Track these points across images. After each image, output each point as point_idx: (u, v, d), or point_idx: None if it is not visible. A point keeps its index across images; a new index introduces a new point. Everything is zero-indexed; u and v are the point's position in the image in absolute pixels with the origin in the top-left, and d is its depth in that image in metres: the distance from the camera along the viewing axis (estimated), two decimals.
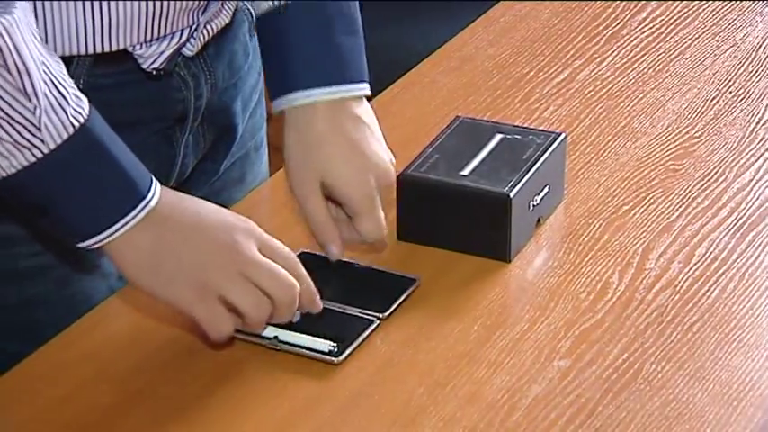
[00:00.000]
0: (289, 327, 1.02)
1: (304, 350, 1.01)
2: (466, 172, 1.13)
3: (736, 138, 1.28)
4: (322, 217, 1.07)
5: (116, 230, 0.93)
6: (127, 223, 0.93)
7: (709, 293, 1.08)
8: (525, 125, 1.26)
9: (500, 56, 1.41)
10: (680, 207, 1.18)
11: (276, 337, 1.02)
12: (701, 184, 1.21)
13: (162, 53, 1.03)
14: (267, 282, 0.96)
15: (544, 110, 1.32)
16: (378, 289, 1.07)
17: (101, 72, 1.01)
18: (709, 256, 1.12)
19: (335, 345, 1.01)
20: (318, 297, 1.01)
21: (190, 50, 1.06)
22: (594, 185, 1.21)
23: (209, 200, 0.99)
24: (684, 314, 1.06)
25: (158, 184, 0.95)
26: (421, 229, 1.13)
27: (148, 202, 0.93)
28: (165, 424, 0.95)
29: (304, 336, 1.01)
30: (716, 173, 1.23)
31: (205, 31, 1.07)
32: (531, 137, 1.17)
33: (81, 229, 0.93)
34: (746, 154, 1.26)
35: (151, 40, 1.02)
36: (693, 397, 0.98)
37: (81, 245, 0.94)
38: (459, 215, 1.12)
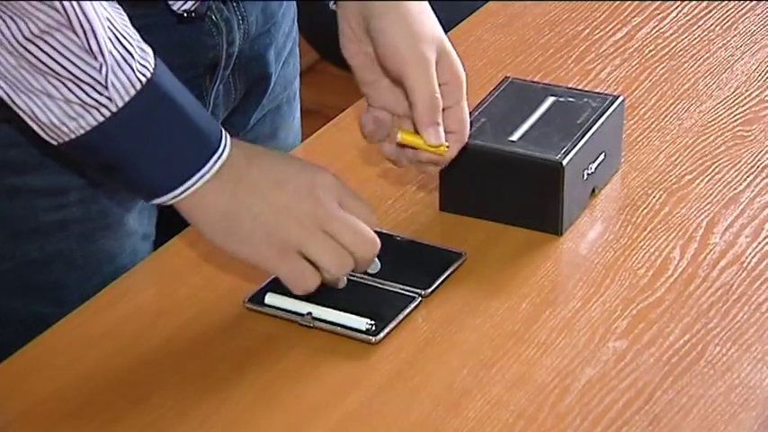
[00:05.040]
0: (324, 303, 1.04)
1: (339, 328, 1.03)
2: (515, 137, 1.14)
3: None
4: (433, 86, 1.05)
5: (190, 185, 0.97)
6: (201, 177, 0.97)
7: None
8: (580, 87, 1.27)
9: (552, 11, 1.42)
10: (748, 176, 1.19)
11: (310, 314, 1.04)
12: None
13: None
14: (348, 238, 1.00)
15: (600, 70, 1.33)
16: (420, 263, 1.09)
17: (129, 13, 1.03)
18: None
19: (373, 323, 1.03)
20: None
21: None
22: (655, 153, 1.22)
23: None
24: (752, 293, 1.07)
25: (228, 135, 0.99)
26: (466, 199, 1.15)
27: (221, 155, 0.97)
28: (190, 405, 0.98)
29: (340, 313, 1.03)
30: None
31: None
32: (585, 100, 1.18)
33: (154, 185, 0.97)
34: None
35: None
36: (761, 382, 0.99)
37: (155, 201, 0.98)
38: (508, 184, 1.13)
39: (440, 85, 1.05)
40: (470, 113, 1.17)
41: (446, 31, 1.38)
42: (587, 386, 0.99)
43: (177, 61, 1.09)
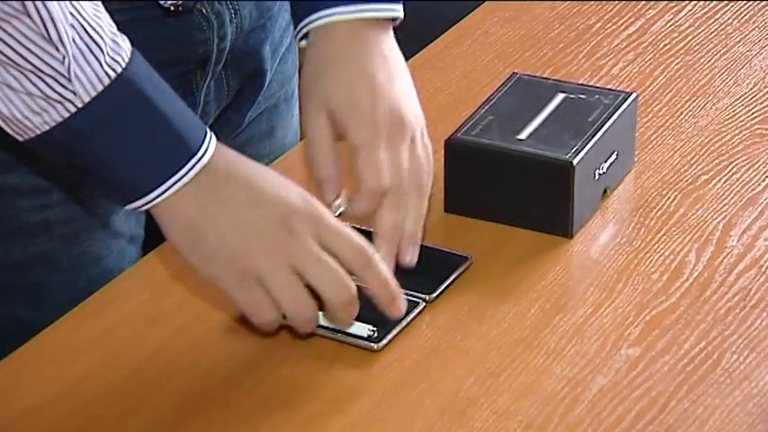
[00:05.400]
0: (323, 308, 1.03)
1: (340, 335, 1.02)
2: (523, 136, 1.13)
3: None
4: (322, 146, 1.04)
5: (164, 191, 0.94)
6: (176, 183, 0.94)
7: None
8: (591, 83, 1.27)
9: (562, 4, 1.42)
10: (767, 177, 1.19)
11: None
12: None
13: None
14: (317, 278, 0.95)
15: (612, 66, 1.32)
16: (424, 267, 1.08)
17: (115, 7, 1.02)
18: None
19: (376, 329, 1.02)
20: (401, 301, 0.99)
21: None
22: (669, 152, 1.22)
23: None
24: None
25: (214, 139, 0.96)
26: (472, 200, 1.14)
27: (200, 159, 0.94)
28: (183, 418, 0.97)
29: None
30: None
31: None
32: (597, 96, 1.18)
33: (127, 189, 0.94)
34: None
35: None
36: None
37: (128, 207, 0.95)
38: (516, 185, 1.12)
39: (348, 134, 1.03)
40: (477, 111, 1.17)
41: (451, 26, 1.39)
42: (599, 395, 0.98)
43: (166, 56, 1.08)
